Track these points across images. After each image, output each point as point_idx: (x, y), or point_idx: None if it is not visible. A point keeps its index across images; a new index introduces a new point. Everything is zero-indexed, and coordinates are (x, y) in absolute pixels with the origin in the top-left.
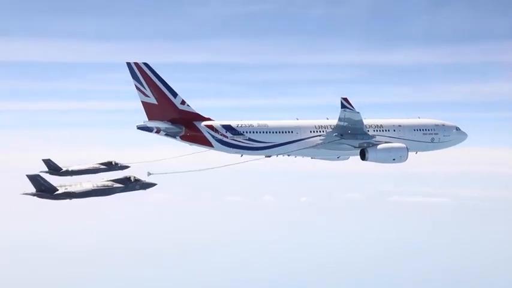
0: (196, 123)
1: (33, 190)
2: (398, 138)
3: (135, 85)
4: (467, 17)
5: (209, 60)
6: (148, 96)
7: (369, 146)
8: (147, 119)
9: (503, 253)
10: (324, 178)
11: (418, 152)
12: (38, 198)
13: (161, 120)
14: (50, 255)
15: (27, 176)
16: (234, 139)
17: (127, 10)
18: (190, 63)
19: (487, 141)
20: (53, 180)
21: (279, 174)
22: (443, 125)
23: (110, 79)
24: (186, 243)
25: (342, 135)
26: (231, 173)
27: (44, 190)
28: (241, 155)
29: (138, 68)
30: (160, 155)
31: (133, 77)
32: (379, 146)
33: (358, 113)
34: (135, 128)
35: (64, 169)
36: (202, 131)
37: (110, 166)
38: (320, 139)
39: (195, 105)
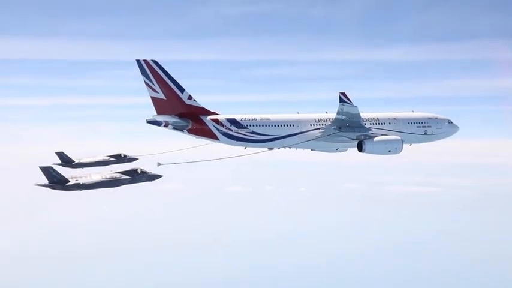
0: (202, 117)
1: (46, 181)
2: (394, 131)
3: (145, 81)
4: (458, 16)
5: (215, 58)
6: (157, 92)
7: (366, 139)
8: (156, 114)
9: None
10: (324, 169)
11: (412, 144)
12: (50, 189)
13: (169, 114)
14: (50, 255)
15: (40, 168)
16: (238, 132)
17: (138, 10)
18: (196, 60)
19: (478, 133)
20: (64, 171)
21: (281, 165)
22: (436, 118)
23: (120, 76)
24: (187, 237)
25: (340, 128)
26: (235, 165)
27: (55, 182)
28: (245, 148)
29: (147, 65)
30: (168, 147)
31: (142, 74)
32: (375, 138)
33: (355, 107)
34: (145, 122)
35: (76, 161)
36: (208, 125)
37: (119, 158)
38: (319, 132)
39: (201, 100)
